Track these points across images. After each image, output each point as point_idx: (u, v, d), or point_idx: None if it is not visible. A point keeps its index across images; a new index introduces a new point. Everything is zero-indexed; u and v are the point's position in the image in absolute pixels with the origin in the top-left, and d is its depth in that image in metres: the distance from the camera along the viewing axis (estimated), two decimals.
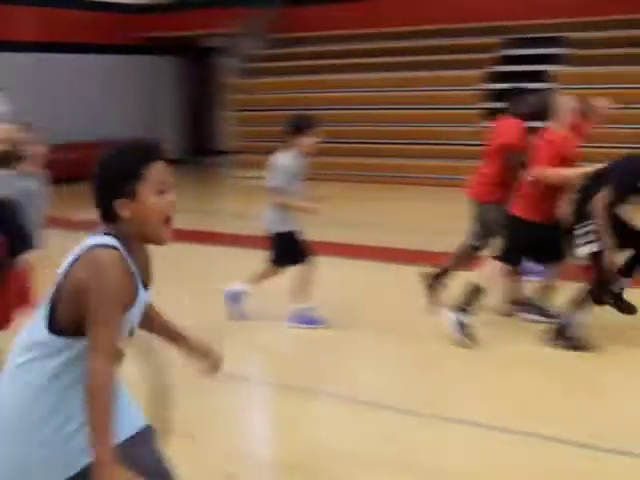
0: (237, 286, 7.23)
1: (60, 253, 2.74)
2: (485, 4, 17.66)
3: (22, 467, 2.49)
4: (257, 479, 4.55)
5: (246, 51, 20.09)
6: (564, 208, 6.58)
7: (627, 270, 6.62)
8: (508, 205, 6.79)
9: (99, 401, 2.32)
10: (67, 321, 2.47)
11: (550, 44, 17.13)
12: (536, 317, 7.04)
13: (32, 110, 12.85)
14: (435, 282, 7.53)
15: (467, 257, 7.46)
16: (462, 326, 6.59)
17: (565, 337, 6.34)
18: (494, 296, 7.06)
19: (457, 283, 7.14)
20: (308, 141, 6.74)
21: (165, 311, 3.05)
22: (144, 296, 2.64)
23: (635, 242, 6.57)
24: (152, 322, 2.95)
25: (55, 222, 6.70)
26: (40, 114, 12.44)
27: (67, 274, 2.49)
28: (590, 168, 6.46)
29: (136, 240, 2.57)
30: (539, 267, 7.31)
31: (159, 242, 2.60)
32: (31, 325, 2.57)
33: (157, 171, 2.54)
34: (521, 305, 7.21)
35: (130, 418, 2.71)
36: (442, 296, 7.37)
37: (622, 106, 8.41)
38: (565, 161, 6.51)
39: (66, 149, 15.71)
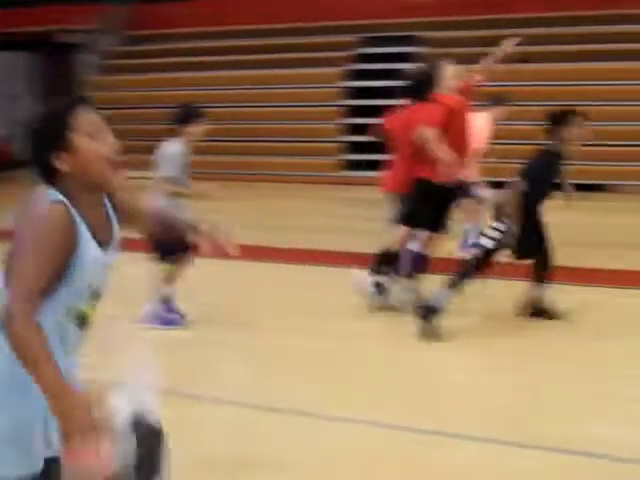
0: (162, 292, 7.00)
1: None
2: (341, 3, 17.96)
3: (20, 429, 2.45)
4: None
5: (103, 48, 19.77)
6: (468, 172, 6.95)
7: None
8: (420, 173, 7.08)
9: (20, 342, 2.23)
10: None
11: (405, 43, 17.56)
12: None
13: None
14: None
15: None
16: (377, 287, 7.11)
17: (428, 314, 6.54)
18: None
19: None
20: (196, 130, 6.84)
21: None
22: (100, 254, 2.53)
23: (538, 248, 6.82)
24: (154, 227, 2.96)
25: None
26: None
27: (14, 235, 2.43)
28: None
29: (86, 195, 2.50)
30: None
31: (108, 187, 2.54)
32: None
33: (86, 117, 2.49)
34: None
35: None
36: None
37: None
38: (456, 125, 6.89)
39: None
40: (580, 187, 6.84)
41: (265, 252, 9.66)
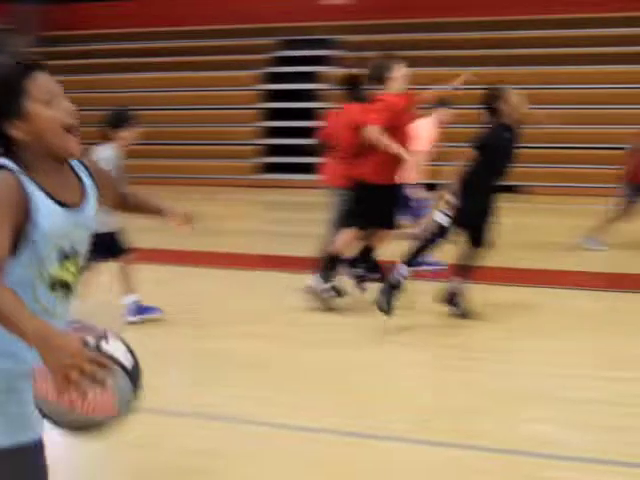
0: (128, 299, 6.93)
1: None
2: (259, 5, 17.95)
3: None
4: None
5: (16, 48, 19.38)
6: (409, 173, 7.06)
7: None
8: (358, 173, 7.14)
9: None
10: None
11: (323, 46, 17.65)
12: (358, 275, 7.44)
13: None
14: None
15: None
16: (322, 292, 7.12)
17: (390, 290, 6.64)
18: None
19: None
20: (128, 134, 6.78)
21: None
22: (66, 214, 2.43)
23: (474, 231, 6.88)
24: (129, 204, 2.96)
25: None
26: None
27: None
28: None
29: (45, 162, 2.40)
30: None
31: (67, 154, 2.44)
32: None
33: (41, 82, 2.38)
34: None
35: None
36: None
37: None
38: (398, 123, 6.94)
39: None
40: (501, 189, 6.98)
41: (188, 256, 9.60)
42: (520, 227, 11.09)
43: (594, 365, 5.84)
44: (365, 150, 7.03)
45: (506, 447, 4.53)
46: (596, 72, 15.59)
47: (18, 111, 2.35)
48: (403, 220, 8.00)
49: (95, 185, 2.59)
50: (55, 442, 2.64)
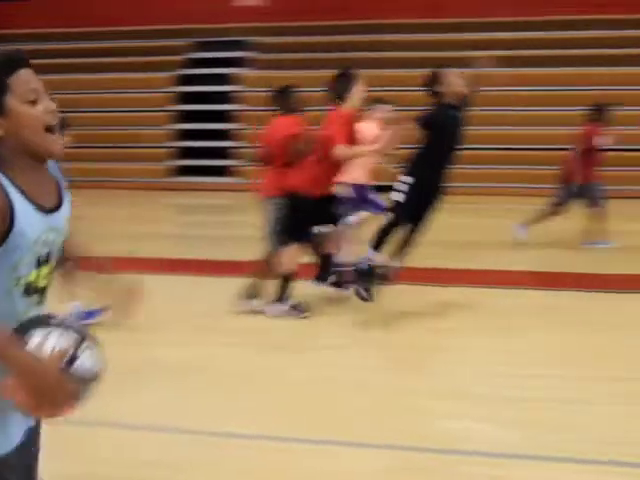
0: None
1: None
2: (171, 7, 17.74)
3: None
4: None
5: None
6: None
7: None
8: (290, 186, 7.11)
9: None
10: None
11: (236, 48, 17.55)
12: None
13: None
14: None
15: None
16: (292, 311, 7.03)
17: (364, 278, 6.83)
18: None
19: None
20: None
21: None
22: (42, 218, 2.38)
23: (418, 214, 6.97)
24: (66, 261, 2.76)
25: None
26: None
27: None
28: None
29: (23, 160, 2.34)
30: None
31: (48, 154, 2.37)
32: None
33: (24, 79, 2.31)
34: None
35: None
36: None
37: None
38: (352, 137, 7.03)
39: None
40: None
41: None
42: (447, 227, 11.18)
43: (518, 363, 5.89)
44: (297, 162, 7.09)
45: (427, 445, 4.54)
46: (518, 75, 15.75)
47: (0, 107, 2.29)
48: (363, 215, 8.19)
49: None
50: None
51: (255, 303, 7.23)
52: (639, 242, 10.27)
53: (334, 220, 7.32)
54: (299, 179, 7.03)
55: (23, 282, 2.37)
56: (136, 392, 5.48)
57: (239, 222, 12.92)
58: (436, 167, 6.86)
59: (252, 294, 7.24)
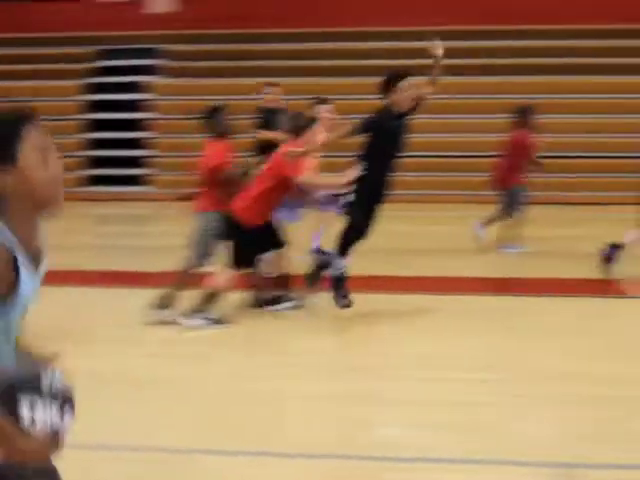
0: None
1: None
2: (80, 14, 17.45)
3: None
4: None
5: None
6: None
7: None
8: (229, 214, 7.08)
9: None
10: None
11: (146, 55, 17.39)
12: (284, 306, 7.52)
13: None
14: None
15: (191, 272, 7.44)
16: (211, 322, 7.03)
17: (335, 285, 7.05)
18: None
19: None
20: None
21: None
22: (35, 278, 2.38)
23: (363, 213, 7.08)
24: None
25: None
26: None
27: None
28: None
29: (25, 213, 2.31)
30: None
31: (54, 208, 2.34)
32: None
33: (37, 133, 2.30)
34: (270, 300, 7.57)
35: None
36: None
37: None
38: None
39: None
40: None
41: None
42: (397, 235, 11.27)
43: (446, 367, 5.97)
44: (234, 187, 7.17)
45: (354, 453, 4.57)
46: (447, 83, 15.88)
47: (11, 157, 2.27)
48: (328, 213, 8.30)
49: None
50: None
51: (166, 313, 7.17)
52: (552, 247, 10.48)
53: (277, 245, 7.36)
54: (243, 208, 7.01)
55: (13, 337, 2.42)
56: None
57: (154, 232, 12.85)
58: (378, 174, 6.97)
59: (164, 304, 7.19)
